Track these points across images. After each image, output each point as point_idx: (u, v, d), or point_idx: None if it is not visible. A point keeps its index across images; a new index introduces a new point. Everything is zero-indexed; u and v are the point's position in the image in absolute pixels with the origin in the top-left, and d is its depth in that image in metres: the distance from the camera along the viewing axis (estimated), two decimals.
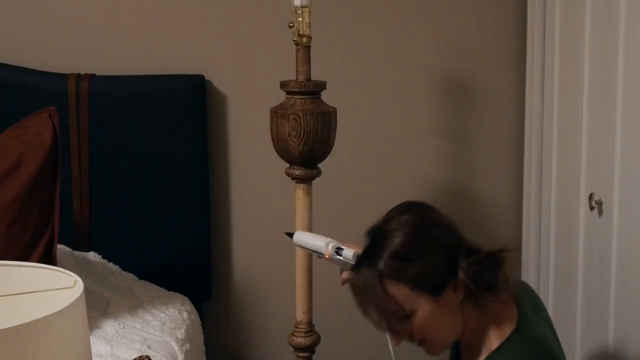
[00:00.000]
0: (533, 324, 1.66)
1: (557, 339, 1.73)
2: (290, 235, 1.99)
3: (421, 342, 1.66)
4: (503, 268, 1.60)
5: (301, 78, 2.13)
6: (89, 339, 1.22)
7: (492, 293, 1.60)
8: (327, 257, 1.83)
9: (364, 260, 1.65)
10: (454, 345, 1.77)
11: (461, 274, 1.58)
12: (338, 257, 1.80)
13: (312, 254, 1.99)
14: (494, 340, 1.63)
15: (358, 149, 2.69)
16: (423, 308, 1.60)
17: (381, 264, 1.60)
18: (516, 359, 1.61)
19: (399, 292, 1.59)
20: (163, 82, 2.54)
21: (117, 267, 2.49)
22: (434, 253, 1.61)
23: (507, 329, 1.62)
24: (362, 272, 1.64)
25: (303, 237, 1.95)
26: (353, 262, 1.76)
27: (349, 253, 1.78)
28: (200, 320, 2.47)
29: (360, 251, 1.73)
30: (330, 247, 1.82)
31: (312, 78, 2.14)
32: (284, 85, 2.14)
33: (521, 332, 1.62)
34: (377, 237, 1.65)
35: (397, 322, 1.63)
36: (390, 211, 1.70)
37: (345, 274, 1.78)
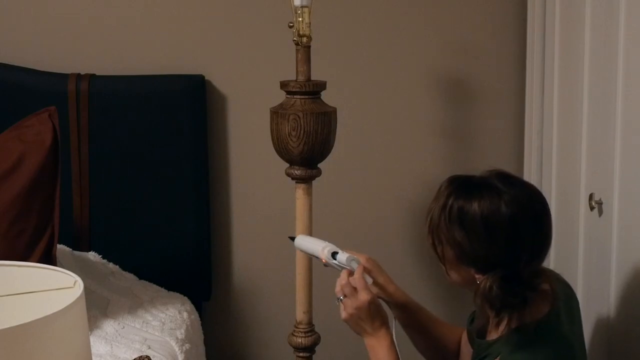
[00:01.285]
0: (559, 321, 1.66)
1: (582, 340, 1.75)
2: (293, 239, 2.02)
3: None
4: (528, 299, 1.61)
5: (301, 78, 2.12)
6: (89, 339, 1.22)
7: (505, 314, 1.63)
8: (323, 261, 1.85)
9: (462, 187, 1.65)
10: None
11: (481, 287, 1.60)
12: (333, 261, 1.82)
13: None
14: (513, 322, 1.64)
15: (358, 149, 2.69)
16: (447, 252, 1.66)
17: (473, 209, 1.60)
18: (529, 347, 1.62)
19: (444, 228, 1.64)
20: (163, 82, 2.54)
21: (117, 267, 2.49)
22: (489, 252, 1.60)
23: (530, 318, 1.63)
24: (449, 193, 1.64)
25: (303, 242, 1.97)
26: (347, 267, 1.77)
27: (343, 257, 1.80)
28: (200, 320, 2.47)
29: (354, 256, 1.76)
30: (326, 251, 1.84)
31: (312, 78, 2.14)
32: (284, 85, 2.14)
33: (543, 325, 1.63)
34: (486, 190, 1.62)
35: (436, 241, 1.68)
36: (519, 180, 1.68)
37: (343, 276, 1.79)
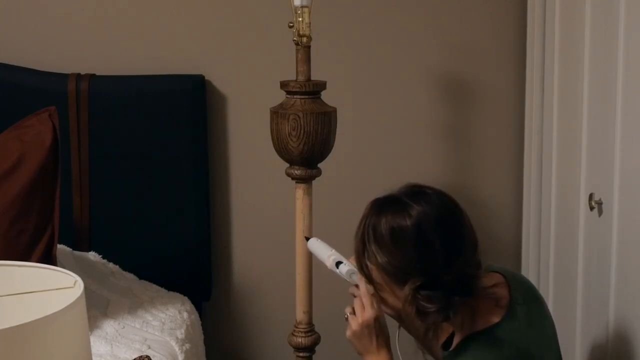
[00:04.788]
0: (512, 328, 1.65)
1: (551, 343, 1.73)
2: (308, 239, 2.05)
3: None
4: (456, 307, 1.61)
5: (301, 78, 2.13)
6: (89, 339, 1.22)
7: (432, 323, 1.63)
8: (328, 267, 1.89)
9: (386, 202, 1.67)
10: None
11: (404, 295, 1.61)
12: (335, 270, 1.84)
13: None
14: (467, 328, 1.65)
15: (358, 149, 2.69)
16: (376, 275, 1.67)
17: (382, 225, 1.63)
18: (475, 350, 1.63)
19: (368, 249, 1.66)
20: (163, 82, 2.54)
21: (117, 267, 2.49)
22: (404, 261, 1.61)
23: (488, 322, 1.64)
24: (376, 211, 1.67)
25: (314, 245, 2.00)
26: (347, 280, 1.79)
27: (344, 269, 1.82)
28: (200, 320, 2.47)
29: (356, 269, 1.77)
30: (331, 259, 1.87)
31: (312, 78, 2.14)
32: (284, 85, 2.14)
33: (490, 333, 1.63)
34: (407, 195, 1.66)
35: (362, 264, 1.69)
36: (427, 190, 1.69)
37: (351, 289, 1.80)
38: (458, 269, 1.60)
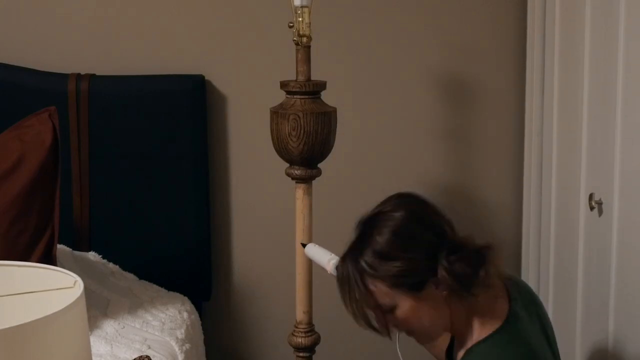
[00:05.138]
0: (521, 323, 1.66)
1: (550, 343, 1.73)
2: (304, 246, 2.07)
3: (409, 333, 1.69)
4: (488, 265, 1.60)
5: (301, 78, 2.13)
6: (89, 339, 1.22)
7: (475, 289, 1.60)
8: (328, 272, 1.91)
9: (348, 254, 1.66)
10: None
11: (441, 272, 1.59)
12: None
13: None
14: (476, 335, 1.64)
15: (358, 149, 2.69)
16: (404, 304, 1.62)
17: (363, 261, 1.62)
18: (493, 356, 1.61)
19: (379, 289, 1.62)
20: (163, 82, 2.54)
21: (117, 267, 2.49)
22: (415, 251, 1.61)
23: (493, 325, 1.63)
24: (346, 265, 1.65)
25: (312, 250, 2.03)
26: None
27: None
28: (200, 320, 2.47)
29: None
30: (331, 263, 1.89)
31: (312, 78, 2.14)
32: (284, 85, 2.14)
33: (505, 330, 1.63)
34: (363, 231, 1.66)
35: (382, 315, 1.65)
36: (382, 203, 1.70)
37: None
38: (462, 234, 1.64)
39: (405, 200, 1.68)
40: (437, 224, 1.64)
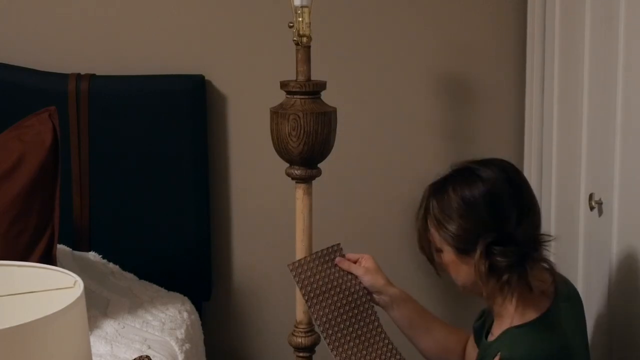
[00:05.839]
0: (562, 318, 1.70)
1: (586, 345, 1.78)
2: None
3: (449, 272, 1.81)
4: (530, 265, 1.66)
5: (301, 78, 2.12)
6: (89, 339, 1.22)
7: (508, 281, 1.66)
8: None
9: (434, 185, 1.77)
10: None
11: (478, 254, 1.66)
12: None
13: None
14: (516, 320, 1.69)
15: (358, 149, 2.69)
16: (447, 254, 1.74)
17: (431, 202, 1.74)
18: (528, 340, 1.66)
19: (433, 230, 1.75)
20: (163, 82, 2.54)
21: (117, 267, 2.49)
22: (470, 224, 1.68)
23: (533, 315, 1.69)
24: (428, 191, 1.77)
25: None
26: None
27: None
28: (200, 320, 2.47)
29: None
30: None
31: (312, 78, 2.14)
32: (284, 85, 2.14)
33: (544, 320, 1.68)
34: (453, 175, 1.75)
35: (432, 249, 1.80)
36: (486, 162, 1.74)
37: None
38: (527, 228, 1.68)
39: (499, 175, 1.71)
40: (506, 209, 1.68)
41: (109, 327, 2.11)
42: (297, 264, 1.92)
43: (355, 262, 1.94)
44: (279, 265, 2.65)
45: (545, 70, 2.45)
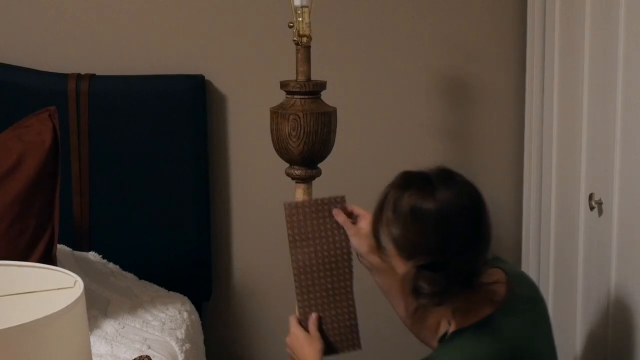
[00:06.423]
0: (506, 322, 1.65)
1: (540, 341, 1.74)
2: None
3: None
4: (460, 294, 1.62)
5: (301, 78, 2.12)
6: (89, 339, 1.22)
7: (423, 305, 1.64)
8: None
9: (403, 177, 1.73)
10: None
11: (406, 271, 1.62)
12: None
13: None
14: (454, 326, 1.66)
15: (358, 149, 2.68)
16: (388, 246, 1.68)
17: (389, 198, 1.68)
18: (467, 345, 1.63)
19: (384, 224, 1.69)
20: (163, 82, 2.54)
21: (117, 267, 2.49)
22: (418, 237, 1.62)
23: (473, 320, 1.64)
24: (395, 181, 1.73)
25: None
26: None
27: None
28: (200, 320, 2.47)
29: None
30: None
31: (312, 78, 2.14)
32: (284, 85, 2.14)
33: (484, 325, 1.63)
34: (422, 182, 1.69)
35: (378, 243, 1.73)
36: (456, 181, 1.69)
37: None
38: (466, 261, 1.61)
39: (455, 200, 1.64)
40: (449, 235, 1.61)
41: (109, 327, 2.11)
42: (293, 205, 1.90)
43: (356, 218, 1.93)
44: (279, 265, 2.65)
45: (545, 70, 2.45)
